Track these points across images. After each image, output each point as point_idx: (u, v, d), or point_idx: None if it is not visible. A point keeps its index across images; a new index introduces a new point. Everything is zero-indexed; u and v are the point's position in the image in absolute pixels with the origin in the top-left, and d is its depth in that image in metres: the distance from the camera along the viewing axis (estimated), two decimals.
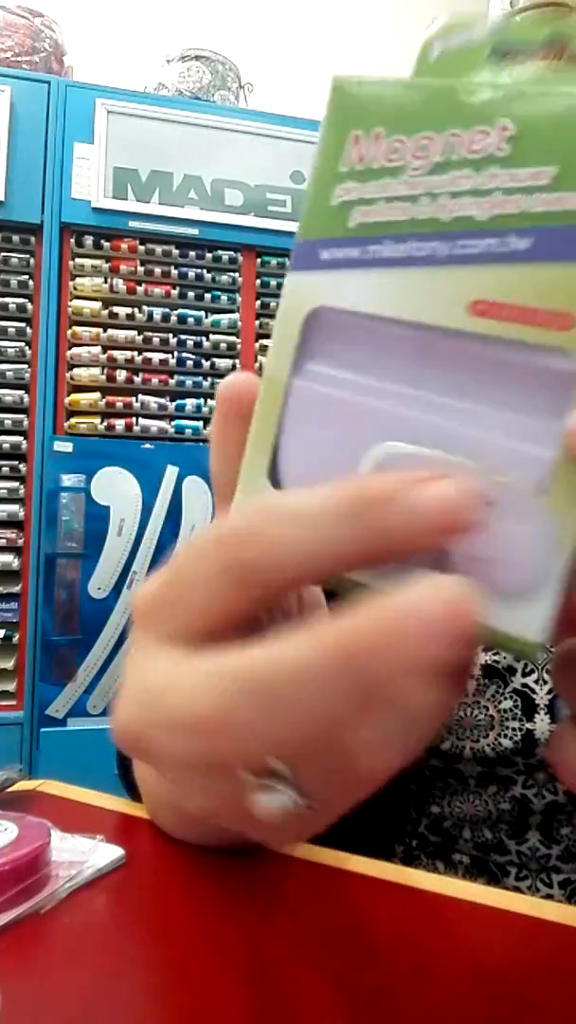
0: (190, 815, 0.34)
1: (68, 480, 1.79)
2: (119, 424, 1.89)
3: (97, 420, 1.89)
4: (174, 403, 1.96)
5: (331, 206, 0.18)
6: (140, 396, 1.93)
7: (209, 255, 2.00)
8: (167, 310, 1.97)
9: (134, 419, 1.91)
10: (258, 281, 2.05)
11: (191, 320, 1.98)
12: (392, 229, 0.17)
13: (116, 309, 1.93)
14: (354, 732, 0.14)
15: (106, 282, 1.93)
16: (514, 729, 0.44)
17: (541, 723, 0.44)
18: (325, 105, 0.18)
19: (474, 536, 0.15)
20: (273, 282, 2.06)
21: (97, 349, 1.90)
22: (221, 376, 1.97)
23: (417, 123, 0.17)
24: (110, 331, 1.92)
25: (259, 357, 2.02)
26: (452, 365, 0.17)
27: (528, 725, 0.44)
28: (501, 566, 0.16)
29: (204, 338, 2.00)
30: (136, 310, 1.95)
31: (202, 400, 1.98)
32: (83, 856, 0.34)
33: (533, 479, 0.16)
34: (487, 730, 0.44)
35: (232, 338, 2.01)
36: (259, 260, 2.05)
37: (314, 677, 0.14)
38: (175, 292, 1.98)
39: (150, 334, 1.95)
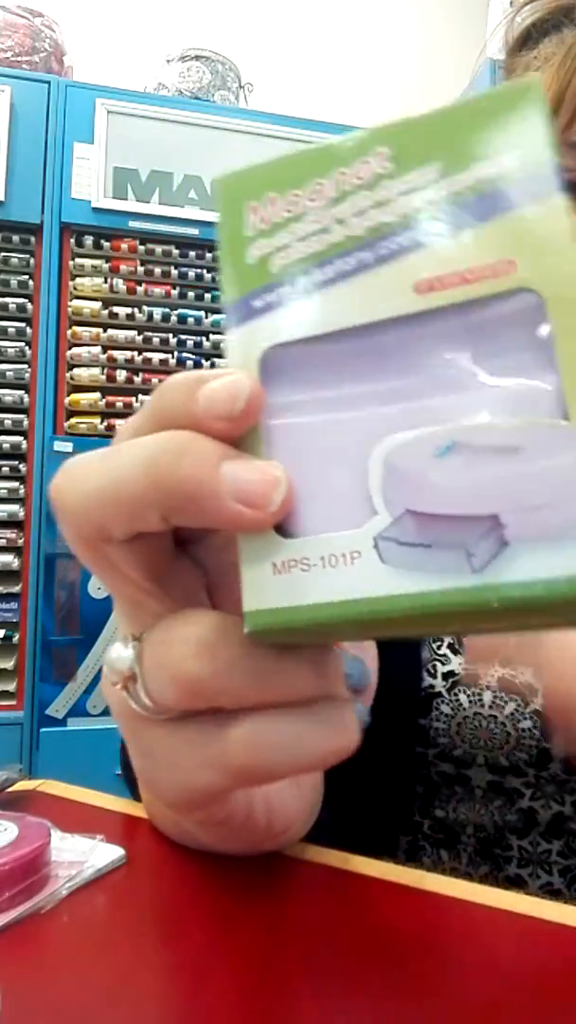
0: (187, 820, 0.34)
1: None
2: (119, 424, 1.88)
3: (97, 420, 1.89)
4: None
5: (249, 264, 0.18)
6: (140, 396, 1.92)
7: (209, 255, 2.00)
8: (167, 310, 1.97)
9: None
10: None
11: (191, 320, 1.98)
12: (315, 259, 0.18)
13: (116, 309, 1.93)
14: None
15: (106, 282, 1.93)
16: (530, 746, 0.44)
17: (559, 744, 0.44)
18: (215, 204, 0.19)
19: (520, 488, 0.15)
20: None
21: (97, 349, 1.89)
22: None
23: (304, 176, 0.18)
24: (110, 331, 1.92)
25: None
26: (415, 349, 0.17)
27: (545, 744, 0.44)
28: (555, 508, 0.15)
29: (204, 338, 2.00)
30: (136, 310, 1.95)
31: None
32: (83, 856, 0.34)
33: (552, 410, 0.16)
34: (503, 743, 0.44)
35: None
36: None
37: None
38: (175, 292, 1.98)
39: (150, 334, 1.95)
